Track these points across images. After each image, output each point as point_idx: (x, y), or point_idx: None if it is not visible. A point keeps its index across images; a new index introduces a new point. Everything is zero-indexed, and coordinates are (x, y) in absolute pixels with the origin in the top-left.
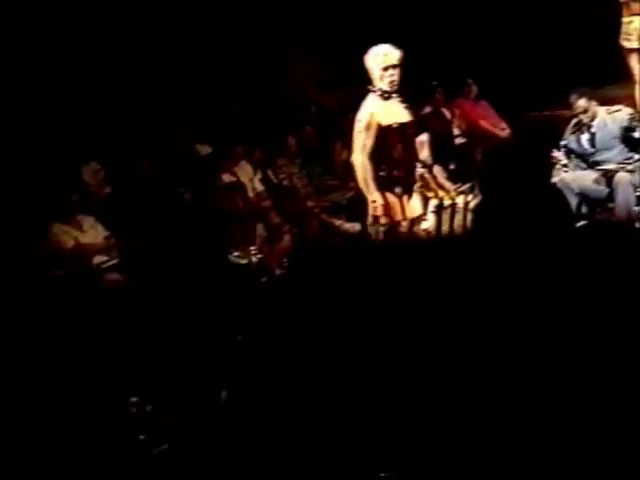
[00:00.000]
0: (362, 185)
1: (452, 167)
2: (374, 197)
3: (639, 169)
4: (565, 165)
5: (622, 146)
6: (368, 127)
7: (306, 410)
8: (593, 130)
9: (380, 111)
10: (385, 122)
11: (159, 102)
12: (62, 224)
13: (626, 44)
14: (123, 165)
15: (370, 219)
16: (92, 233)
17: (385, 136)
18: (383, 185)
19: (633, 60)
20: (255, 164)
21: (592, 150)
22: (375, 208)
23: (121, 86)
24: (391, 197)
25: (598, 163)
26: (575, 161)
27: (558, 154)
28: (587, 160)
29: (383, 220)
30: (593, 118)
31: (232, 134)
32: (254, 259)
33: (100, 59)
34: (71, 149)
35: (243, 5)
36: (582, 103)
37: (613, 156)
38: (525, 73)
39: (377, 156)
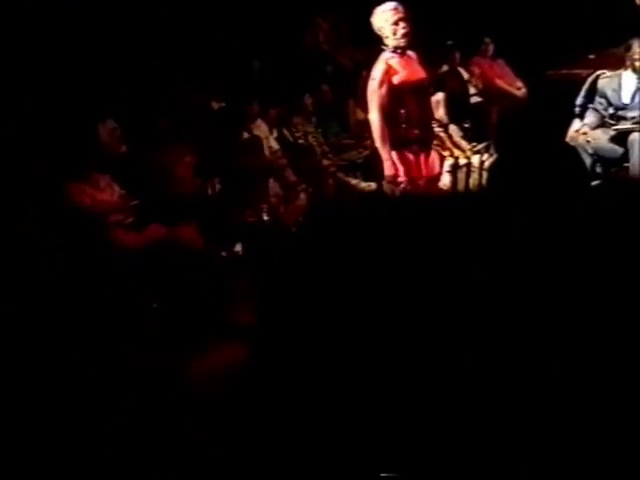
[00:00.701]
0: (379, 144)
1: (467, 126)
2: (391, 155)
3: None
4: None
5: None
6: (382, 85)
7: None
8: (638, 84)
9: (394, 68)
10: (399, 80)
11: (175, 60)
12: (79, 182)
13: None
14: (140, 124)
15: (387, 177)
16: (108, 191)
17: (400, 94)
18: (400, 144)
19: None
20: (271, 122)
21: (628, 103)
22: (391, 167)
23: (137, 43)
24: (408, 155)
25: (622, 119)
26: (595, 114)
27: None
28: (615, 112)
29: (400, 179)
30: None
31: (248, 92)
32: (266, 217)
33: (116, 18)
34: (87, 107)
35: None
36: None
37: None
38: (541, 31)
39: (393, 114)
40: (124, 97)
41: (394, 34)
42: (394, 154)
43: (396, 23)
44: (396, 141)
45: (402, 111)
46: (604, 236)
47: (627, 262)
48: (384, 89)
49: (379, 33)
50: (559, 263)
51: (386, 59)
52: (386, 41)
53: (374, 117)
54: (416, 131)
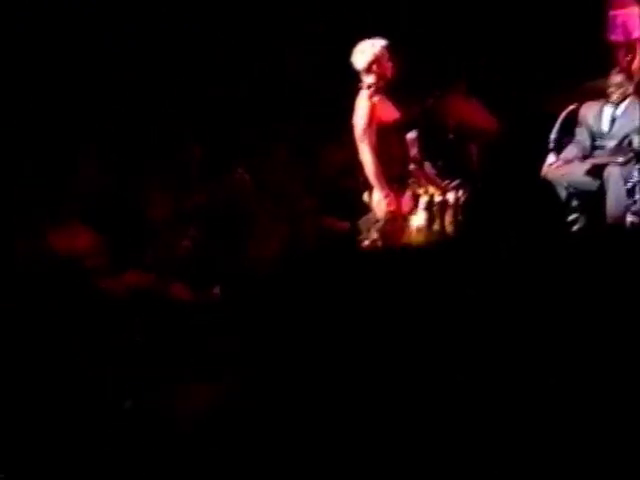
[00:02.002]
0: (375, 182)
1: (441, 164)
2: (387, 192)
3: (632, 162)
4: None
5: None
6: (370, 123)
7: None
8: (618, 112)
9: (378, 107)
10: (383, 118)
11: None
12: (55, 227)
13: (613, 37)
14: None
15: (387, 213)
16: (85, 237)
17: (384, 132)
18: (389, 182)
19: (620, 53)
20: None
21: (606, 132)
22: (392, 202)
23: (114, 87)
24: (396, 194)
25: (600, 149)
26: (576, 147)
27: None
28: (594, 141)
29: (398, 213)
30: (623, 99)
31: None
32: (244, 259)
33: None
34: (66, 154)
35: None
36: (619, 79)
37: (614, 147)
38: (514, 69)
39: (382, 152)
40: (101, 141)
41: (372, 73)
42: (389, 190)
43: (377, 63)
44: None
45: (386, 149)
46: (579, 271)
47: (604, 299)
48: (373, 128)
49: (359, 71)
50: (534, 298)
51: (369, 97)
52: (366, 80)
53: (367, 157)
54: (398, 169)
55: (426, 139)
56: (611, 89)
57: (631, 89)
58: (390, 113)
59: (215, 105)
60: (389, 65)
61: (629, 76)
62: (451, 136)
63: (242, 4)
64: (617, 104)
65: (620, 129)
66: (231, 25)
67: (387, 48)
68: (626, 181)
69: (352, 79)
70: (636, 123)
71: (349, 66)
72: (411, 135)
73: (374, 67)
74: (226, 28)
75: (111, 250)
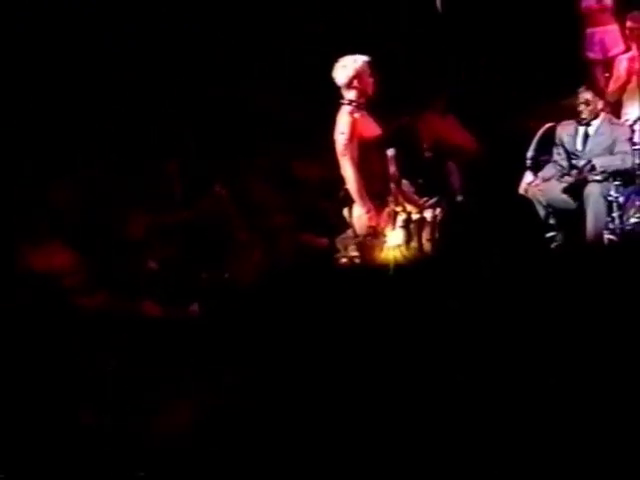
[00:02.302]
0: (357, 198)
1: (420, 181)
2: (370, 208)
3: (609, 180)
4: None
5: (605, 157)
6: (352, 138)
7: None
8: (590, 131)
9: (359, 123)
10: (365, 134)
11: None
12: (32, 246)
13: (589, 55)
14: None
15: (368, 229)
16: (62, 255)
17: (365, 148)
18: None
19: (598, 71)
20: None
21: (581, 151)
22: (373, 218)
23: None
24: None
25: (576, 168)
26: (554, 167)
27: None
28: (569, 160)
29: (379, 229)
30: (594, 117)
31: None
32: (222, 276)
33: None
34: (43, 171)
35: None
36: (587, 96)
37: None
38: (491, 87)
39: (363, 168)
40: (77, 160)
41: (353, 89)
42: (371, 205)
43: (359, 78)
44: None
45: (367, 165)
46: (558, 291)
47: (583, 318)
48: (354, 143)
49: (341, 86)
50: (511, 316)
51: (350, 113)
52: (347, 95)
53: (349, 173)
54: (378, 185)
55: (404, 157)
56: (580, 107)
57: (600, 106)
58: (371, 129)
59: (194, 121)
60: (370, 81)
61: (598, 93)
62: (429, 154)
63: (225, 18)
64: (588, 123)
65: (593, 148)
66: (214, 40)
67: (369, 64)
68: (606, 198)
69: (333, 96)
70: (608, 142)
71: (330, 83)
72: (389, 153)
73: (355, 82)
74: (209, 44)
75: (88, 268)
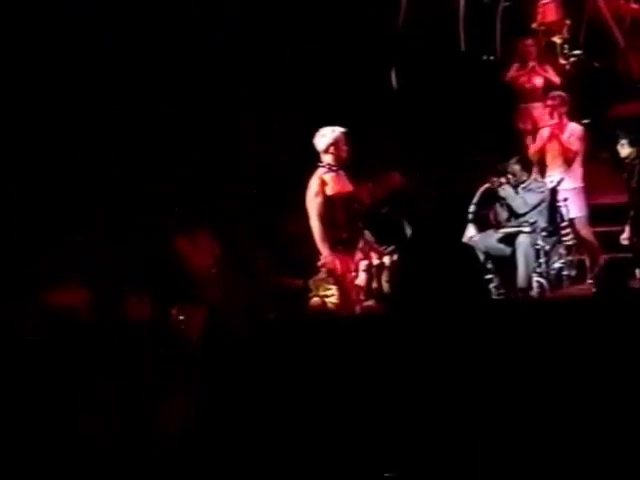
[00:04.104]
0: (320, 244)
1: (379, 232)
2: (330, 253)
3: (537, 231)
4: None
5: (534, 212)
6: (317, 195)
7: None
8: (520, 192)
9: (328, 181)
10: (331, 192)
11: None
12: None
13: (521, 126)
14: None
15: (329, 272)
16: (80, 294)
17: (332, 203)
18: (332, 245)
19: (528, 140)
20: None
21: (515, 207)
22: (332, 262)
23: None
24: (339, 255)
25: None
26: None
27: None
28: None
29: (338, 272)
30: (521, 183)
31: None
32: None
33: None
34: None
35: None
36: (516, 168)
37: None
38: (439, 145)
39: (327, 220)
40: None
41: (332, 154)
42: (330, 254)
43: (335, 145)
44: (330, 243)
45: (332, 218)
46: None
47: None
48: (319, 198)
49: (319, 151)
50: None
51: (320, 174)
52: (323, 159)
53: (314, 222)
54: (344, 235)
55: (367, 211)
56: (509, 176)
57: (525, 177)
58: (343, 186)
59: (180, 177)
60: (345, 148)
61: (525, 165)
62: (385, 209)
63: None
64: (517, 185)
65: (523, 205)
66: (202, 84)
67: (345, 134)
68: (533, 247)
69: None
70: (534, 201)
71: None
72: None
73: (332, 149)
74: (197, 85)
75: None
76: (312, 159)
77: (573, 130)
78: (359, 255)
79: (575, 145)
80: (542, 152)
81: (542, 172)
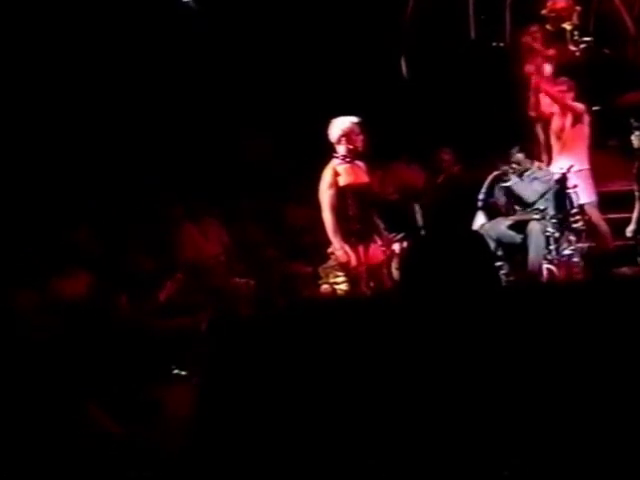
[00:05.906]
0: (332, 236)
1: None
2: (343, 245)
3: (547, 218)
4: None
5: (542, 201)
6: (330, 186)
7: None
8: (527, 180)
9: (341, 173)
10: (344, 183)
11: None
12: (62, 276)
13: (533, 114)
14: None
15: (341, 264)
16: (85, 280)
17: (345, 195)
18: (345, 236)
19: (538, 127)
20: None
21: (524, 195)
22: (344, 255)
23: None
24: (352, 247)
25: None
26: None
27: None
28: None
29: (352, 264)
30: (524, 172)
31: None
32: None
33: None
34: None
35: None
36: (519, 157)
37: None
38: (448, 134)
39: (340, 211)
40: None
41: (342, 145)
42: (343, 245)
43: (347, 136)
44: (342, 234)
45: (346, 209)
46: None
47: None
48: (332, 190)
49: (333, 142)
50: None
51: (334, 166)
52: (337, 150)
53: (326, 215)
54: (357, 226)
55: (378, 200)
56: (513, 165)
57: (529, 165)
58: (357, 178)
59: (190, 169)
60: (359, 138)
61: (529, 154)
62: (396, 197)
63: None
64: (522, 174)
65: (532, 194)
66: (212, 82)
67: (358, 124)
68: (544, 234)
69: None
70: (541, 190)
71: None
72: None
73: (343, 140)
74: (205, 84)
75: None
76: (324, 148)
77: (579, 112)
78: (382, 249)
79: (583, 128)
80: (560, 133)
81: (549, 159)
